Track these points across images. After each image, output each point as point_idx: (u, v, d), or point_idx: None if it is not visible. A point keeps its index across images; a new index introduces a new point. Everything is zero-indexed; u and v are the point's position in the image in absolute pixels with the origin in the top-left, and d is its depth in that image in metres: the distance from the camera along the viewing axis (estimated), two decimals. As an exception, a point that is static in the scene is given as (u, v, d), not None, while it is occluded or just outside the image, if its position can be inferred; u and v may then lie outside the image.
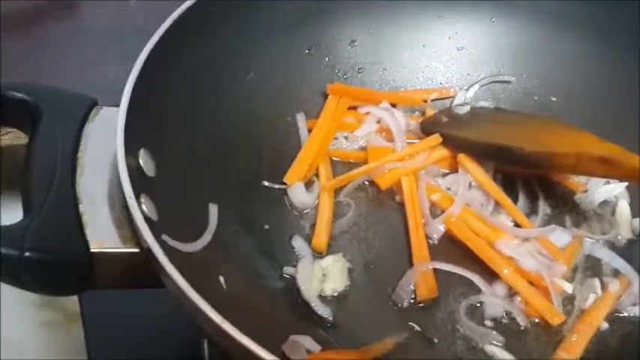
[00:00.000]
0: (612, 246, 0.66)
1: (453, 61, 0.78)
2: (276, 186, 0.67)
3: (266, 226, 0.64)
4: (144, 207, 0.49)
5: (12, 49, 0.90)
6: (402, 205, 0.67)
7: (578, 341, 0.58)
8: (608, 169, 0.61)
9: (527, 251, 0.62)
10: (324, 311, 0.59)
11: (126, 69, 0.54)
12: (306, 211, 0.66)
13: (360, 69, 0.76)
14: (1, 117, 0.56)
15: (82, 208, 0.50)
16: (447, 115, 0.73)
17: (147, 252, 0.46)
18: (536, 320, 0.60)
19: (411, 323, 0.59)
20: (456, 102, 0.76)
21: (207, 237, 0.56)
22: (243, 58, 0.68)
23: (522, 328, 0.59)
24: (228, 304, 0.46)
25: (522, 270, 0.61)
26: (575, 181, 0.70)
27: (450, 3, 0.77)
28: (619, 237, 0.66)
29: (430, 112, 0.75)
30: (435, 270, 0.62)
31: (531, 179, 0.69)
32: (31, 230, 0.47)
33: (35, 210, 0.48)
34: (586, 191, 0.69)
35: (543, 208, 0.68)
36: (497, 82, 0.77)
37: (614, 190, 0.69)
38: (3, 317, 0.69)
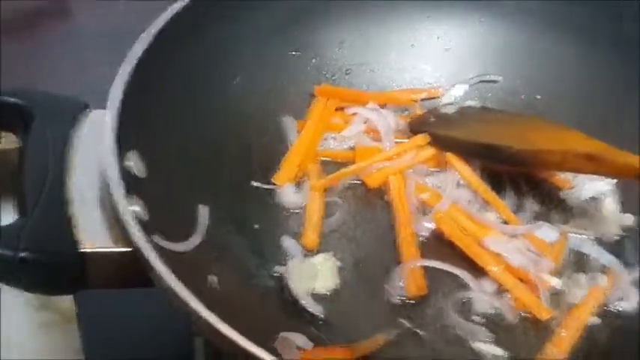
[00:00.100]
0: (600, 242, 0.66)
1: (441, 61, 0.78)
2: (266, 186, 0.67)
3: (256, 226, 0.64)
4: (134, 208, 0.50)
5: (8, 53, 0.90)
6: (390, 204, 0.67)
7: (567, 336, 0.59)
8: (594, 166, 0.62)
9: (515, 248, 0.63)
10: (315, 309, 0.59)
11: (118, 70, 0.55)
12: (295, 211, 0.67)
13: (347, 70, 0.77)
14: (-5, 121, 0.57)
15: (73, 209, 0.51)
16: (434, 114, 0.73)
17: (137, 252, 0.47)
18: (525, 316, 0.60)
19: (401, 320, 0.59)
20: (443, 102, 0.77)
21: (197, 237, 0.57)
22: (232, 59, 0.68)
23: (511, 323, 0.60)
24: (219, 304, 0.46)
25: (510, 266, 0.62)
26: (562, 178, 0.70)
27: (438, 4, 0.77)
28: (606, 233, 0.67)
29: (418, 112, 0.75)
30: (423, 267, 0.62)
31: (518, 177, 0.70)
32: (26, 231, 0.47)
33: (28, 212, 0.49)
34: (573, 188, 0.70)
35: (530, 205, 0.68)
36: (484, 81, 0.78)
37: (601, 186, 0.70)
38: (3, 318, 0.70)
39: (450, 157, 0.68)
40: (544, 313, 0.60)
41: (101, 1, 1.05)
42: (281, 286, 0.61)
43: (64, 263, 0.48)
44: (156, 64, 0.59)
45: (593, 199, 0.70)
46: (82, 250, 0.49)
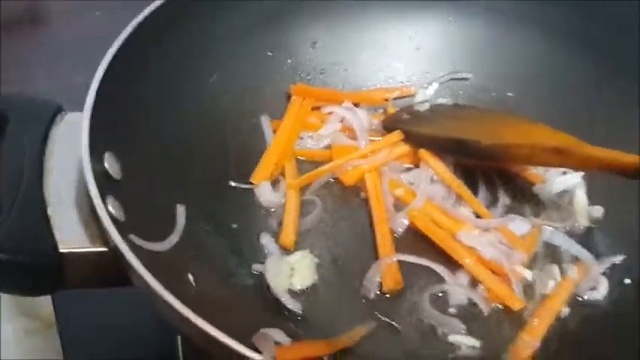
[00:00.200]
0: (570, 234, 0.68)
1: (413, 60, 0.80)
2: (243, 186, 0.68)
3: (234, 225, 0.65)
4: (110, 208, 0.50)
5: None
6: (366, 201, 0.68)
7: (539, 325, 0.60)
8: (561, 159, 0.63)
9: (488, 241, 0.64)
10: (293, 305, 0.60)
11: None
12: (273, 210, 0.68)
13: (321, 70, 0.78)
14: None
15: (50, 210, 0.51)
16: (407, 112, 0.75)
17: (114, 251, 0.47)
18: (499, 306, 0.62)
19: (378, 314, 0.60)
20: (416, 100, 0.78)
21: (175, 237, 0.57)
22: (207, 60, 0.69)
23: (485, 314, 0.61)
24: (198, 302, 0.47)
25: (484, 259, 0.63)
26: (534, 172, 0.72)
27: (408, 4, 0.79)
28: (577, 225, 0.69)
29: (392, 111, 0.76)
30: (399, 262, 0.63)
31: (491, 172, 0.71)
32: (2, 232, 0.48)
33: (4, 213, 0.49)
34: (544, 182, 0.71)
35: (503, 199, 0.70)
36: (455, 79, 0.79)
37: (571, 180, 0.71)
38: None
39: (424, 153, 0.70)
40: (517, 303, 0.61)
41: (77, 9, 1.05)
42: (260, 284, 0.61)
43: (42, 263, 0.49)
44: (131, 65, 0.59)
45: (564, 192, 0.71)
46: (59, 251, 0.49)
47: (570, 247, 0.66)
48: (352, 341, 0.57)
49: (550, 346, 0.59)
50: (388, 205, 0.68)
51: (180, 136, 0.65)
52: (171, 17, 0.64)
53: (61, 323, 0.65)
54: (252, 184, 0.69)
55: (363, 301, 0.62)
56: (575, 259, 0.65)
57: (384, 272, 0.62)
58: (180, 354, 0.63)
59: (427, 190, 0.68)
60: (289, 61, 0.77)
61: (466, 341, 0.59)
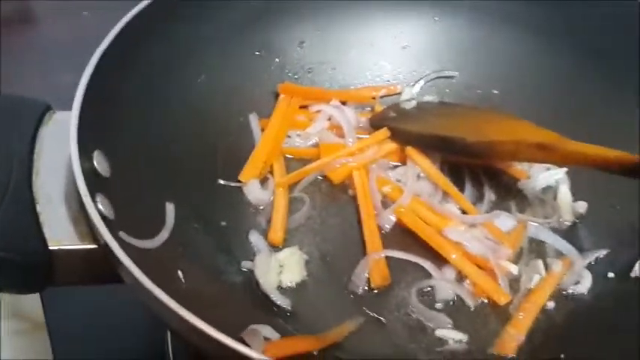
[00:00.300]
0: (555, 229, 0.69)
1: (399, 59, 0.81)
2: (232, 184, 0.69)
3: (223, 223, 0.66)
4: (100, 206, 0.50)
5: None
6: (354, 198, 0.69)
7: (524, 318, 0.61)
8: (545, 154, 0.64)
9: (474, 236, 0.65)
10: (283, 302, 0.60)
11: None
12: (261, 207, 0.68)
13: (309, 69, 0.79)
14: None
15: (39, 207, 0.51)
16: (394, 110, 0.75)
17: (104, 248, 0.48)
18: (485, 301, 0.63)
19: (366, 310, 0.61)
20: (403, 98, 0.79)
21: (164, 234, 0.58)
22: (195, 59, 0.70)
23: (471, 309, 0.62)
24: (187, 299, 0.47)
25: (470, 254, 0.64)
26: (519, 169, 0.73)
27: (394, 3, 0.80)
28: (561, 220, 0.70)
29: (379, 109, 0.77)
30: (387, 258, 0.64)
31: (477, 169, 0.72)
32: (-9, 230, 0.48)
33: (-7, 211, 0.49)
34: (529, 178, 0.72)
35: (489, 195, 0.71)
36: (441, 77, 0.80)
37: (555, 175, 0.72)
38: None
39: (410, 151, 0.70)
40: (503, 297, 0.62)
41: (66, 9, 1.05)
42: (249, 281, 0.62)
43: (31, 261, 0.49)
44: (119, 64, 0.59)
45: (548, 188, 0.72)
46: (48, 248, 0.49)
47: (555, 242, 0.67)
48: (341, 336, 0.57)
49: (535, 339, 0.60)
50: (376, 202, 0.68)
51: (169, 135, 0.65)
52: (159, 17, 0.65)
53: (50, 322, 0.65)
54: (240, 182, 0.69)
55: (352, 296, 0.62)
56: (560, 254, 0.66)
57: (372, 268, 0.63)
58: (170, 352, 0.64)
59: (414, 187, 0.69)
60: (277, 60, 0.77)
61: (453, 335, 0.60)
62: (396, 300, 0.62)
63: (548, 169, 0.73)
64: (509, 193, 0.72)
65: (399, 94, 0.79)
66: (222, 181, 0.68)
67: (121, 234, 0.50)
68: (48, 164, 0.54)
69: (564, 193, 0.72)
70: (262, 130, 0.73)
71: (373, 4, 0.79)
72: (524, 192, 0.72)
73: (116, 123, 0.59)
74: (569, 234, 0.68)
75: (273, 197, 0.69)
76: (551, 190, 0.72)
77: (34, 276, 0.50)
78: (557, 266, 0.65)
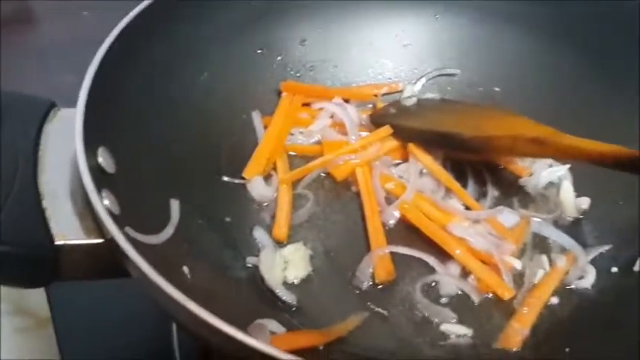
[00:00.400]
0: (558, 224, 0.69)
1: (401, 57, 0.81)
2: (236, 180, 0.69)
3: (228, 219, 0.66)
4: (106, 202, 0.51)
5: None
6: (358, 195, 0.69)
7: (528, 313, 0.61)
8: (542, 149, 0.65)
9: (478, 232, 0.65)
10: (288, 297, 0.61)
11: (84, 77, 0.56)
12: (265, 204, 0.68)
13: (311, 67, 0.79)
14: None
15: (45, 203, 0.51)
16: (395, 107, 0.76)
17: (110, 242, 0.48)
18: (489, 296, 0.63)
19: (370, 304, 0.61)
20: (404, 95, 0.79)
21: (169, 230, 0.58)
22: (198, 58, 0.70)
23: (476, 303, 0.62)
24: (193, 294, 0.47)
25: (474, 250, 0.64)
26: (521, 165, 0.73)
27: (395, 2, 0.80)
28: (564, 215, 0.70)
29: (380, 106, 0.77)
30: (391, 253, 0.64)
31: (479, 166, 0.73)
32: (-2, 225, 0.48)
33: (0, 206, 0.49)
34: (531, 174, 0.73)
35: (491, 191, 0.71)
36: (443, 75, 0.80)
37: (558, 172, 0.73)
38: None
39: (412, 147, 0.71)
40: (507, 292, 0.62)
41: (65, 10, 1.06)
42: (254, 277, 0.62)
43: (38, 255, 0.49)
44: (122, 63, 0.59)
45: (551, 184, 0.73)
46: (55, 243, 0.49)
47: (558, 237, 0.67)
48: (346, 331, 0.58)
49: (539, 334, 0.60)
50: (379, 199, 0.68)
51: (173, 133, 0.65)
52: (160, 17, 0.65)
53: (56, 318, 0.65)
54: (244, 179, 0.69)
55: (356, 291, 0.62)
56: (564, 249, 0.67)
57: (377, 263, 0.63)
58: (177, 346, 0.64)
59: (417, 183, 0.69)
60: (279, 58, 0.77)
61: (457, 330, 0.60)
62: (400, 295, 0.62)
63: (551, 165, 0.73)
64: (512, 190, 0.72)
65: (401, 91, 0.80)
66: (226, 178, 0.69)
67: (127, 229, 0.50)
68: (53, 161, 0.54)
69: (567, 189, 0.72)
70: (265, 127, 0.73)
71: (374, 2, 0.79)
72: (526, 188, 0.72)
73: (120, 121, 0.59)
74: (572, 229, 0.69)
75: (276, 194, 0.69)
76: (553, 187, 0.72)
77: (40, 270, 0.50)
78: (561, 261, 0.65)
